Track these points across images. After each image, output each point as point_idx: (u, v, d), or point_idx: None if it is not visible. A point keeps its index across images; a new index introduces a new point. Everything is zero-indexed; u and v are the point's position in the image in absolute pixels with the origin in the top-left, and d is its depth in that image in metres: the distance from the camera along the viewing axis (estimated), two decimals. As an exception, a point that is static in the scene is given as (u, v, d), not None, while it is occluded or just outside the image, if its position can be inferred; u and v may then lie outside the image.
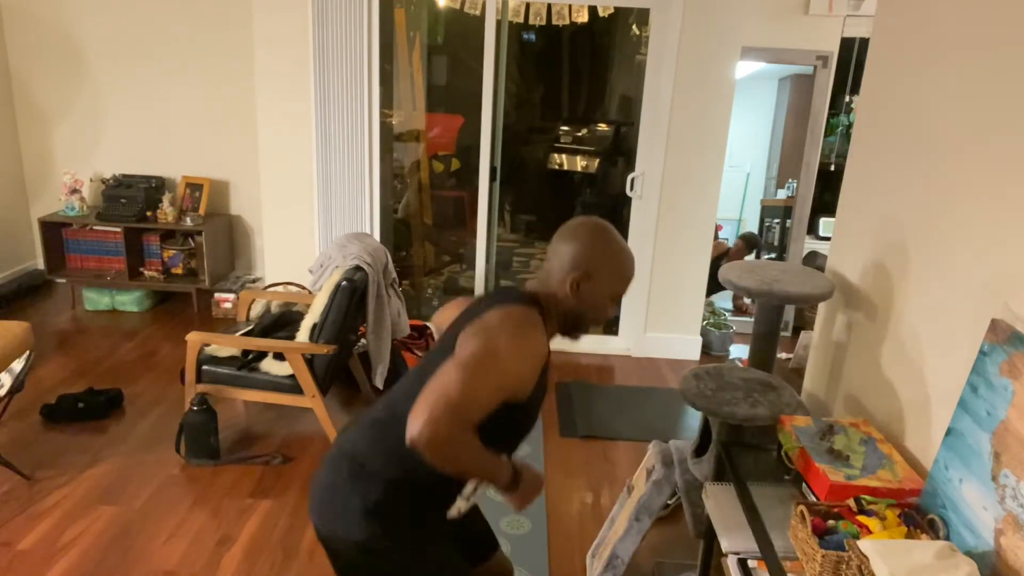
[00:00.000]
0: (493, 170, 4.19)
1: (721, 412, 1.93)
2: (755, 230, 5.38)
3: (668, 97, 3.91)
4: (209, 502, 2.71)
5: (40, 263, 4.86)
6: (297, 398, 3.00)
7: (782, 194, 5.19)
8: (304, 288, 3.91)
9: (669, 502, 2.71)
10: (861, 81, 2.27)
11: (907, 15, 1.99)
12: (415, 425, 1.19)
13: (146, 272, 4.62)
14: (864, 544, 1.28)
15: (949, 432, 1.46)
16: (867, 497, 1.49)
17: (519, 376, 1.32)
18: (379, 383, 3.36)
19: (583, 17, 4.40)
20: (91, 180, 4.75)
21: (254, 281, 4.74)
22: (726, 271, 2.32)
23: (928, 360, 1.70)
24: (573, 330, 1.50)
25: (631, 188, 4.11)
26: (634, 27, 5.77)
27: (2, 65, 4.59)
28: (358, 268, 3.07)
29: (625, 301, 4.33)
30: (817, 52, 4.29)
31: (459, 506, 1.41)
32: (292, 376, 2.95)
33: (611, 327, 4.50)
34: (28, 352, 2.84)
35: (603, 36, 6.35)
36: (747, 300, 4.99)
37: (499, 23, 3.92)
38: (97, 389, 3.37)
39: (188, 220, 4.49)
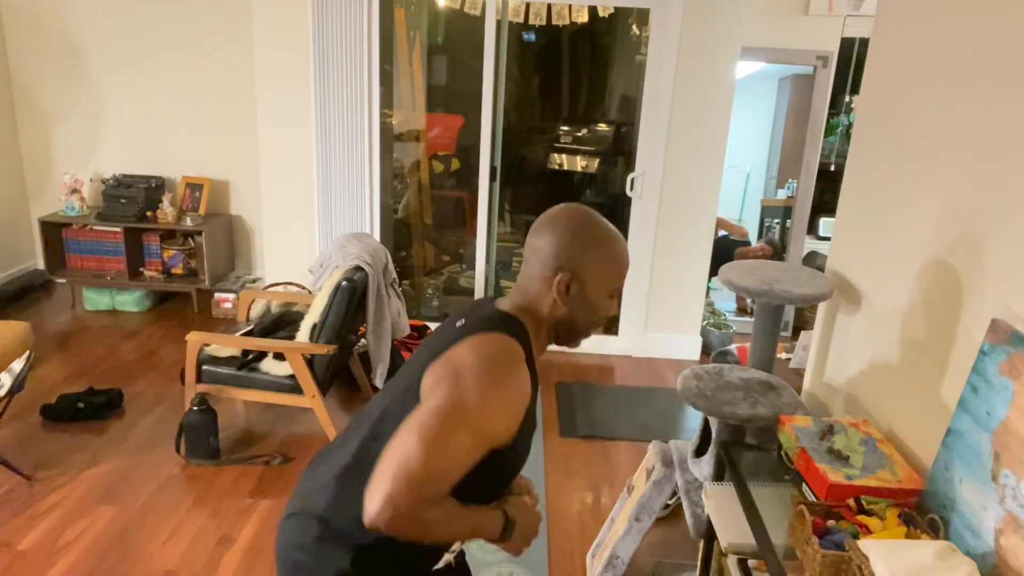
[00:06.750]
0: (493, 170, 4.19)
1: (721, 412, 1.93)
2: (755, 230, 5.38)
3: (668, 97, 3.91)
4: (209, 502, 2.71)
5: (40, 263, 4.86)
6: (297, 398, 3.00)
7: (782, 194, 5.19)
8: (304, 288, 3.91)
9: (669, 502, 2.71)
10: (861, 81, 2.27)
11: (907, 15, 1.99)
12: (372, 505, 1.01)
13: (146, 272, 4.62)
14: (864, 544, 1.28)
15: (949, 432, 1.46)
16: (867, 497, 1.49)
17: (496, 431, 1.11)
18: (379, 383, 3.36)
19: (583, 17, 4.40)
20: (91, 180, 4.75)
21: (254, 281, 4.74)
22: (726, 271, 2.31)
23: (928, 360, 1.70)
24: (569, 340, 1.35)
25: (631, 188, 4.11)
26: (634, 27, 5.77)
27: (2, 65, 4.59)
28: (358, 268, 3.07)
29: (625, 301, 4.33)
30: (817, 52, 4.29)
31: (447, 559, 1.29)
32: (292, 376, 2.95)
33: (611, 327, 4.49)
34: (28, 352, 2.84)
35: (603, 36, 6.35)
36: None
37: (499, 23, 3.92)
38: (97, 389, 3.37)
39: (188, 220, 4.49)
